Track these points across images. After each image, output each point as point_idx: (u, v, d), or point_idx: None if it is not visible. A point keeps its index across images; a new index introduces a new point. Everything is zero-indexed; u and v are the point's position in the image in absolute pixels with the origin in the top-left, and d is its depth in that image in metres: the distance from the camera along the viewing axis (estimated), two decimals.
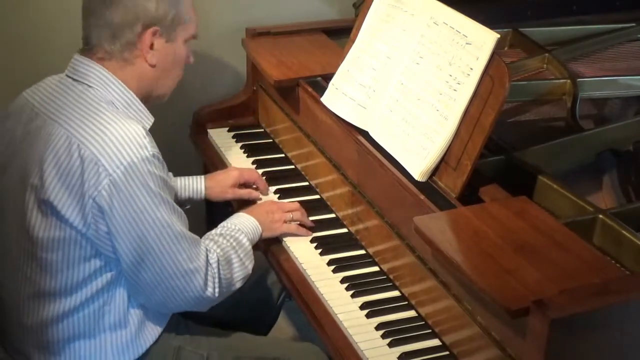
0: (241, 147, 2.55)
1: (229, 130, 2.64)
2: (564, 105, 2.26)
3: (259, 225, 2.03)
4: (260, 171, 2.41)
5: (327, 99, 2.23)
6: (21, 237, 1.76)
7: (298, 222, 2.12)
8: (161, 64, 1.85)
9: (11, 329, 1.85)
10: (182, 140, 2.70)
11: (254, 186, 2.30)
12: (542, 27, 2.59)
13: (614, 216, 1.74)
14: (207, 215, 2.66)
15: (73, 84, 1.80)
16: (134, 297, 1.82)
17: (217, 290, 1.81)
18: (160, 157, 1.75)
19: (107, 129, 1.70)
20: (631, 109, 2.30)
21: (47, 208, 1.71)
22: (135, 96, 1.83)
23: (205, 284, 1.79)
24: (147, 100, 1.89)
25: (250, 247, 1.95)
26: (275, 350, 1.98)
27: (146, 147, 1.70)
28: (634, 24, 2.58)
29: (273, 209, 2.10)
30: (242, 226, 1.98)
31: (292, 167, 2.45)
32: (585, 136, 2.08)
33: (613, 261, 1.67)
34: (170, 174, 2.25)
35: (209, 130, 2.64)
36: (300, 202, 2.24)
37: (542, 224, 1.69)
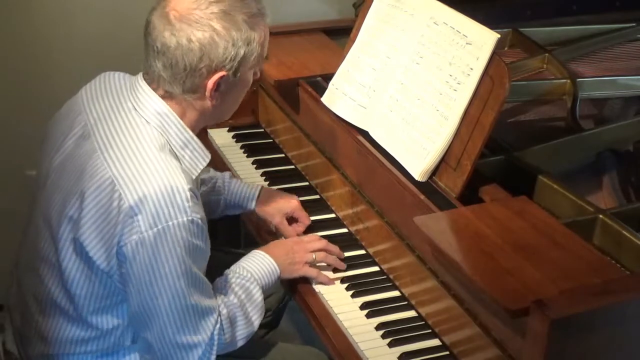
0: (241, 147, 2.55)
1: (229, 130, 2.64)
2: (564, 105, 2.26)
3: (277, 268, 1.91)
4: (260, 171, 2.42)
5: (327, 99, 2.23)
6: (52, 257, 1.73)
7: (323, 264, 2.00)
8: (224, 99, 1.75)
9: (28, 334, 1.83)
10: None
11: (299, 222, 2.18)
12: (542, 27, 2.59)
13: (614, 216, 1.74)
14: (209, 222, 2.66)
15: (132, 114, 1.70)
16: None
17: (212, 358, 1.75)
18: (201, 222, 1.65)
19: (152, 182, 1.60)
20: (631, 109, 2.30)
21: (79, 246, 1.67)
22: (193, 136, 1.74)
23: (202, 358, 1.72)
24: (209, 124, 1.82)
25: (261, 299, 1.85)
26: (277, 353, 1.97)
27: (186, 211, 1.61)
28: (634, 24, 2.58)
29: (295, 249, 1.97)
30: (256, 271, 1.87)
31: (292, 167, 2.45)
32: (585, 136, 2.08)
33: (613, 261, 1.67)
34: (227, 173, 2.20)
35: (209, 130, 2.64)
36: (300, 202, 2.24)
37: (542, 224, 1.69)
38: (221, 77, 1.69)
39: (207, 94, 1.70)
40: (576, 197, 1.82)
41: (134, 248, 1.61)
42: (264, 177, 2.39)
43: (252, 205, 2.16)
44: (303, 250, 1.98)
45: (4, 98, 2.64)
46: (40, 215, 1.79)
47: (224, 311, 1.78)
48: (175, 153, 1.71)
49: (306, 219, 2.15)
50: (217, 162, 2.52)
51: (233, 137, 2.61)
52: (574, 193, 1.83)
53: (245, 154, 2.52)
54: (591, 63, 2.45)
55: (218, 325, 1.74)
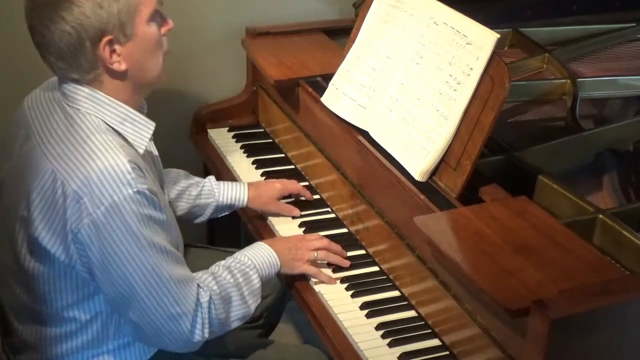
0: (241, 147, 2.55)
1: (229, 130, 2.64)
2: (564, 105, 2.26)
3: (278, 261, 1.92)
4: (260, 171, 2.42)
5: (327, 99, 2.22)
6: (14, 266, 1.74)
7: (324, 262, 2.02)
8: (133, 63, 1.70)
9: (16, 344, 1.84)
10: (182, 140, 2.70)
11: (301, 197, 2.26)
12: (542, 27, 2.59)
13: (614, 216, 1.74)
14: (207, 222, 2.66)
15: (64, 107, 1.71)
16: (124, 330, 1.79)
17: (206, 331, 1.74)
18: (149, 192, 1.65)
19: (90, 165, 1.61)
20: (631, 109, 2.30)
21: (34, 243, 1.68)
22: (128, 108, 1.73)
23: (193, 328, 1.72)
24: (144, 92, 1.79)
25: (258, 285, 1.86)
26: (276, 353, 1.97)
27: (130, 183, 1.61)
28: (634, 24, 2.58)
29: (298, 246, 1.98)
30: (257, 260, 1.89)
31: (292, 167, 2.45)
32: (585, 136, 2.08)
33: (613, 261, 1.67)
34: (212, 177, 2.23)
35: (209, 130, 2.64)
36: (299, 202, 2.24)
37: (542, 224, 1.69)
38: (109, 41, 1.66)
39: (107, 63, 1.68)
40: (576, 197, 1.82)
41: (88, 232, 1.61)
42: (264, 177, 2.39)
43: (244, 202, 2.20)
44: (305, 247, 1.99)
45: (5, 97, 2.63)
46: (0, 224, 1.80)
47: (215, 287, 1.78)
48: (115, 130, 1.71)
49: (300, 190, 2.23)
50: (217, 162, 2.53)
51: (233, 137, 2.61)
52: (574, 193, 1.83)
53: (245, 154, 2.52)
54: (591, 63, 2.45)
55: (206, 298, 1.74)
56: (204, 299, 1.74)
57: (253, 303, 1.85)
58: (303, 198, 2.27)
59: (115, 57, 1.68)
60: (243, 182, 2.24)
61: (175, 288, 1.69)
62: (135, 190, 1.62)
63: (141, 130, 1.76)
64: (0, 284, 1.83)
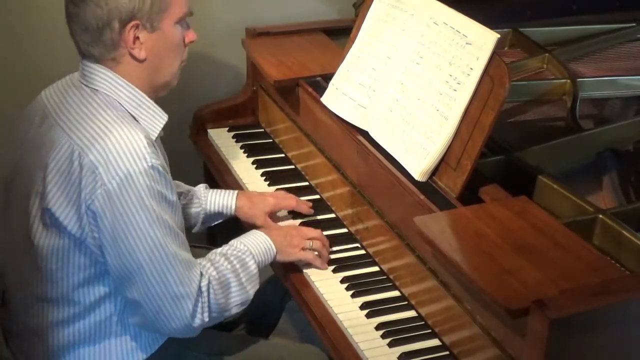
0: (241, 147, 2.55)
1: (229, 130, 2.64)
2: (564, 105, 2.26)
3: (273, 247, 1.94)
4: (260, 171, 2.42)
5: (327, 99, 2.23)
6: (25, 243, 1.76)
7: (317, 252, 2.02)
8: (152, 55, 1.77)
9: (18, 330, 1.85)
10: (182, 140, 2.70)
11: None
12: (542, 27, 2.59)
13: (614, 216, 1.74)
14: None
15: (83, 88, 1.77)
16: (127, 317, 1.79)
17: (206, 316, 1.75)
18: (162, 169, 1.70)
19: (108, 136, 1.66)
20: (631, 109, 2.29)
21: (48, 216, 1.70)
22: (144, 95, 1.78)
23: (194, 312, 1.73)
24: (155, 92, 1.83)
25: (256, 271, 1.87)
26: (276, 352, 1.97)
27: (145, 158, 1.66)
28: (634, 24, 2.58)
29: (293, 233, 2.01)
30: (253, 247, 1.90)
31: (292, 167, 2.45)
32: (585, 136, 2.08)
33: (613, 261, 1.67)
34: (202, 185, 2.22)
35: (209, 130, 2.64)
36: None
37: (542, 224, 1.69)
38: (136, 26, 1.72)
39: (129, 45, 1.74)
40: (576, 197, 1.82)
41: (101, 202, 1.64)
42: (264, 177, 2.39)
43: (232, 210, 2.18)
44: (301, 235, 2.01)
45: (5, 97, 2.64)
46: (11, 216, 1.82)
47: (214, 273, 1.79)
48: (130, 114, 1.76)
49: (295, 206, 2.19)
50: (217, 162, 2.53)
51: (233, 137, 2.61)
52: (574, 193, 1.83)
53: (245, 154, 2.52)
54: (591, 63, 2.45)
55: (206, 282, 1.76)
56: (204, 283, 1.76)
57: (252, 289, 1.86)
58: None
59: (137, 44, 1.74)
60: (234, 191, 2.21)
61: (180, 267, 1.71)
62: (150, 164, 1.66)
63: (154, 119, 1.80)
64: (8, 266, 1.85)
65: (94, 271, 1.74)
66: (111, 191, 1.64)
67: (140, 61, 1.77)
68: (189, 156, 2.71)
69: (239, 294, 1.83)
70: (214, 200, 2.18)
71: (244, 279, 1.84)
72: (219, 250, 1.89)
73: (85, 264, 1.73)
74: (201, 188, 2.22)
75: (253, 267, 1.87)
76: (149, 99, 1.79)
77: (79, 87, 1.78)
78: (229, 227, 2.43)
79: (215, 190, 2.22)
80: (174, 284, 1.70)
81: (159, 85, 1.84)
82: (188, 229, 2.20)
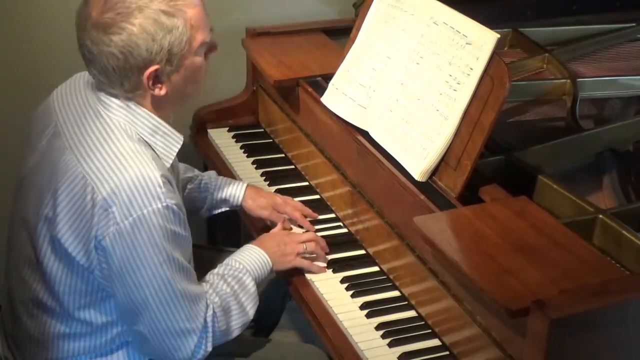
0: (241, 147, 2.55)
1: (229, 130, 2.64)
2: (564, 105, 2.26)
3: (269, 260, 1.93)
4: (260, 171, 2.42)
5: (327, 99, 2.23)
6: (32, 259, 1.75)
7: (313, 254, 2.02)
8: (173, 91, 1.73)
9: (20, 334, 1.84)
10: (183, 140, 2.69)
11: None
12: (542, 27, 2.59)
13: (614, 216, 1.74)
14: (207, 222, 2.66)
15: (98, 109, 1.71)
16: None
17: (209, 346, 1.75)
18: (176, 208, 1.65)
19: (122, 174, 1.61)
20: (631, 109, 2.29)
21: (56, 244, 1.68)
22: (160, 120, 1.73)
23: (198, 347, 1.73)
24: (179, 106, 1.80)
25: (254, 289, 1.86)
26: (276, 352, 1.97)
27: (160, 197, 1.61)
28: (634, 24, 2.58)
29: (285, 241, 1.99)
30: (248, 263, 1.89)
31: (292, 167, 2.45)
32: (585, 136, 2.08)
33: (613, 261, 1.67)
34: (213, 172, 2.23)
35: (209, 130, 2.64)
36: (300, 202, 2.24)
37: (542, 224, 1.69)
38: (155, 71, 1.67)
39: (148, 87, 1.69)
40: (576, 197, 1.82)
41: (112, 240, 1.62)
42: (264, 177, 2.39)
43: (239, 200, 2.17)
44: (294, 241, 2.00)
45: (5, 97, 2.64)
46: (18, 217, 1.80)
47: (216, 299, 1.78)
48: (145, 141, 1.71)
49: (299, 218, 2.16)
50: (217, 162, 2.53)
51: (233, 137, 2.61)
52: (574, 193, 1.83)
53: (245, 154, 2.52)
54: (591, 63, 2.45)
55: (211, 313, 1.75)
56: (209, 314, 1.75)
57: (251, 309, 1.85)
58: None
59: (158, 85, 1.69)
60: (243, 181, 2.22)
61: (187, 304, 1.70)
62: (164, 205, 1.62)
63: (170, 144, 1.76)
64: (14, 277, 1.83)
65: (101, 296, 1.73)
66: (123, 230, 1.61)
67: (162, 97, 1.72)
68: (189, 156, 2.70)
69: (239, 317, 1.82)
70: (223, 187, 2.18)
71: (243, 299, 1.83)
72: (215, 271, 1.87)
73: (91, 289, 1.72)
74: (212, 174, 2.21)
75: (251, 285, 1.86)
76: (164, 124, 1.75)
77: (94, 108, 1.72)
78: (229, 226, 2.44)
79: (225, 177, 2.21)
80: (180, 320, 1.69)
81: (183, 103, 1.81)
82: (192, 213, 2.20)
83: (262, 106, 2.66)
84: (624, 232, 1.69)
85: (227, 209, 2.21)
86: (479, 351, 1.65)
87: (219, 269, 1.88)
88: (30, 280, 1.77)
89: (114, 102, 1.71)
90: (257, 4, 2.79)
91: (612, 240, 1.71)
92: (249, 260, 1.90)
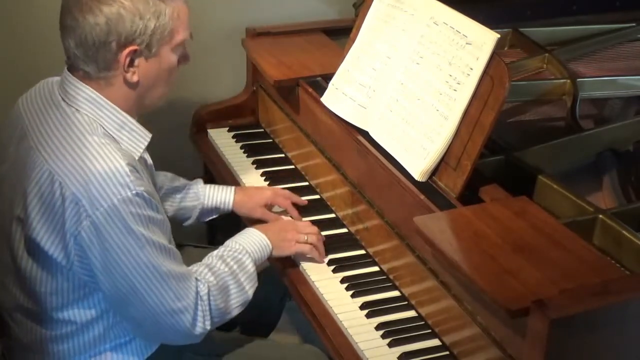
0: (241, 147, 2.55)
1: (229, 130, 2.64)
2: (564, 105, 2.26)
3: (269, 244, 1.95)
4: (260, 171, 2.42)
5: (327, 99, 2.23)
6: (11, 264, 1.75)
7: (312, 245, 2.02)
8: (144, 79, 1.73)
9: (12, 344, 1.84)
10: (182, 140, 2.70)
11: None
12: (542, 27, 2.59)
13: (614, 216, 1.74)
14: (207, 222, 2.65)
15: (62, 106, 1.71)
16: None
17: (207, 323, 1.76)
18: (147, 194, 1.65)
19: (89, 167, 1.62)
20: (631, 109, 2.29)
21: (32, 244, 1.68)
22: (127, 116, 1.73)
23: (194, 321, 1.73)
24: (140, 111, 1.79)
25: (253, 270, 1.88)
26: (276, 352, 1.97)
27: (128, 186, 1.62)
28: (634, 24, 2.58)
29: (287, 228, 2.02)
30: (249, 245, 1.91)
31: (292, 167, 2.45)
32: (585, 136, 2.08)
33: (613, 261, 1.67)
34: (200, 180, 2.24)
35: (209, 130, 2.64)
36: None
37: (542, 224, 1.69)
38: (133, 51, 1.68)
39: (123, 68, 1.69)
40: (576, 197, 1.82)
41: (88, 233, 1.62)
42: (264, 177, 2.39)
43: (229, 206, 2.19)
44: (295, 229, 2.01)
45: (5, 96, 2.63)
46: None
47: (212, 279, 1.79)
48: (111, 136, 1.72)
49: (288, 206, 2.19)
50: (217, 162, 2.53)
51: (233, 137, 2.61)
52: (574, 193, 1.83)
53: (245, 154, 2.52)
54: (591, 63, 2.45)
55: (205, 290, 1.75)
56: (203, 291, 1.75)
57: (250, 288, 1.86)
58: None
59: (131, 68, 1.70)
60: (231, 186, 2.23)
61: (175, 284, 1.70)
62: (134, 192, 1.63)
63: (137, 140, 1.76)
64: (2, 291, 1.83)
65: (83, 292, 1.73)
66: (96, 221, 1.61)
67: (132, 85, 1.72)
68: (189, 156, 2.71)
69: (238, 295, 1.83)
70: (211, 195, 2.19)
71: (242, 279, 1.84)
72: (214, 252, 1.88)
73: (73, 286, 1.71)
74: (199, 182, 2.22)
75: (250, 265, 1.87)
76: (131, 120, 1.74)
77: (58, 106, 1.72)
78: (229, 225, 2.43)
79: (212, 185, 2.22)
80: (170, 300, 1.70)
81: (146, 106, 1.80)
82: (181, 222, 2.22)
83: (262, 106, 2.66)
84: (624, 232, 1.69)
85: (217, 215, 2.24)
86: (479, 351, 1.65)
87: (219, 251, 1.89)
88: (13, 288, 1.77)
89: (81, 94, 1.70)
90: (257, 4, 2.79)
91: (612, 240, 1.71)
92: (249, 242, 1.92)
